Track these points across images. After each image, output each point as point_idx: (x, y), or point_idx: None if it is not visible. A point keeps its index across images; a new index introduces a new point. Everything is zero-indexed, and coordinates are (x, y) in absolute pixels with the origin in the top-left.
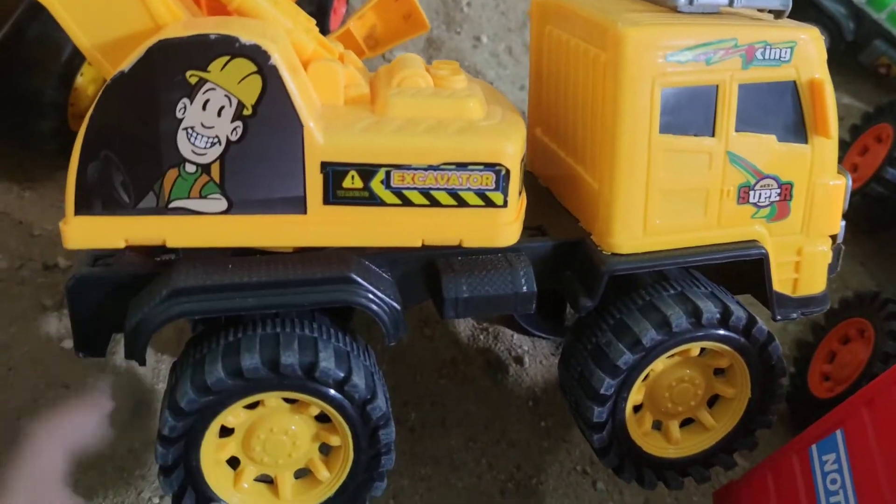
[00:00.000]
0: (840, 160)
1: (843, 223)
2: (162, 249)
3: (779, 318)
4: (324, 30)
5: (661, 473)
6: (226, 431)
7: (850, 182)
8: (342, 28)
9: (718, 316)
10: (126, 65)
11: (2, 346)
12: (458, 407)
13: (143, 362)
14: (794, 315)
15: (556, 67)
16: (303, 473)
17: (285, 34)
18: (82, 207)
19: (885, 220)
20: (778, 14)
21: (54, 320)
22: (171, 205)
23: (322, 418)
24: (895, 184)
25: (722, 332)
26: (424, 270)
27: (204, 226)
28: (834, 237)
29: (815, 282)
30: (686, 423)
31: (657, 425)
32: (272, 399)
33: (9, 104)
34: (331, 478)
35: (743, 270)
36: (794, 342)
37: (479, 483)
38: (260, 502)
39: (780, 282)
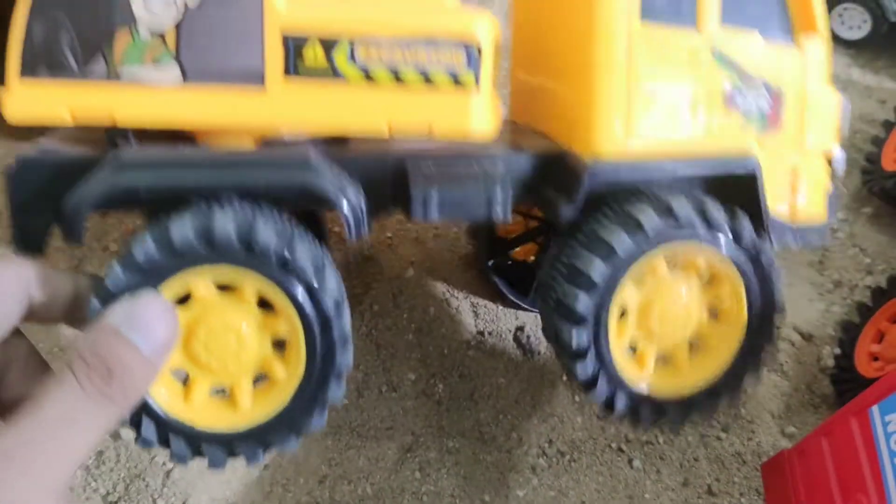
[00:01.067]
0: (884, 141)
1: (843, 154)
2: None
3: (774, 243)
4: None
5: (662, 408)
6: None
7: (847, 104)
8: None
9: (696, 213)
10: None
11: None
12: (488, 380)
13: (81, 240)
14: (793, 244)
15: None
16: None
17: None
18: (27, 70)
19: None
20: None
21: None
22: (122, 70)
23: (265, 307)
24: None
25: (703, 231)
26: (393, 177)
27: (156, 99)
28: (830, 162)
29: (813, 208)
30: None
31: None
32: (205, 286)
33: None
34: (286, 376)
35: (735, 190)
36: (839, 324)
37: (510, 458)
38: (215, 414)
39: (776, 204)
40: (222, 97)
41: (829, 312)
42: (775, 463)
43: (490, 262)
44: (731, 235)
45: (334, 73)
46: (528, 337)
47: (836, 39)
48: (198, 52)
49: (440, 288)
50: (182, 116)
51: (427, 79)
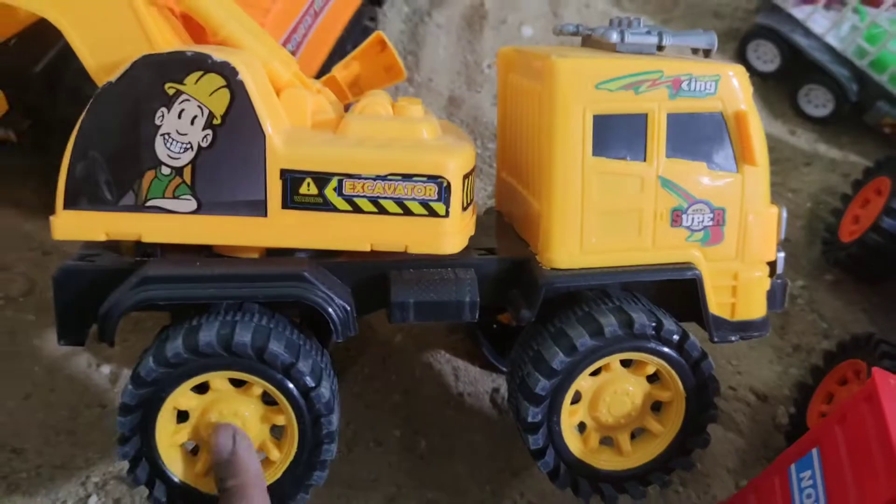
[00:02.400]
0: (842, 213)
1: (782, 255)
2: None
3: (716, 339)
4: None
5: (597, 485)
6: (183, 417)
7: (785, 213)
8: (327, 76)
9: (652, 327)
10: (114, 76)
11: (46, 369)
12: (466, 437)
13: (112, 343)
14: (733, 338)
15: (515, 109)
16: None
17: (259, 62)
18: (70, 203)
19: (883, 268)
20: (706, 53)
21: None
22: (148, 203)
23: (269, 402)
24: (891, 233)
25: (653, 344)
26: (379, 281)
27: (176, 223)
28: (773, 266)
29: (752, 306)
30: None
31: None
32: (220, 380)
33: (53, 131)
34: (280, 458)
35: (683, 295)
36: (795, 385)
37: None
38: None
39: (718, 305)
40: (231, 223)
41: (786, 374)
42: None
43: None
44: (676, 346)
45: (325, 203)
46: (503, 398)
47: (804, 116)
48: (210, 186)
49: (425, 352)
50: (197, 238)
51: (404, 208)
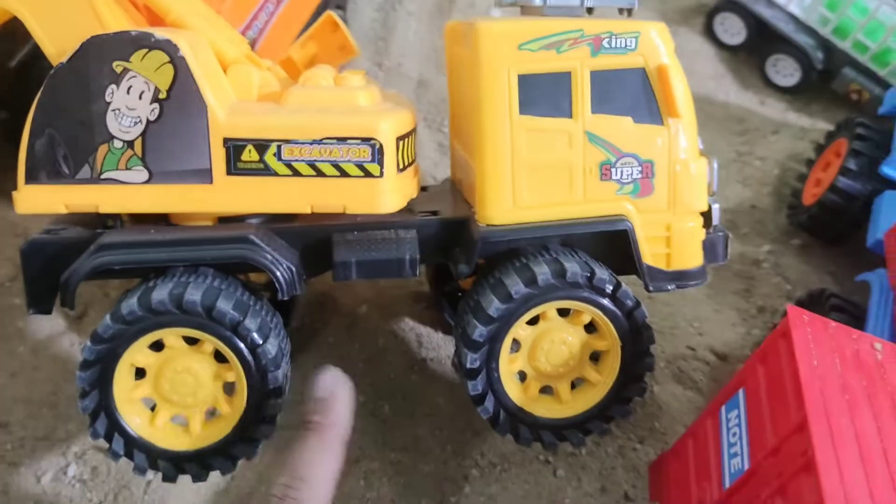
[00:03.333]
0: (806, 178)
1: (717, 206)
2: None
3: (651, 289)
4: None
5: (537, 433)
6: (140, 375)
7: (716, 165)
8: (283, 56)
9: (585, 277)
10: (65, 57)
11: (31, 349)
12: (427, 400)
13: (73, 307)
14: (669, 287)
15: (458, 79)
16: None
17: (206, 40)
18: (31, 178)
19: (842, 228)
20: (628, 11)
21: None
22: (103, 175)
23: (221, 359)
24: (847, 192)
25: (587, 293)
26: (325, 244)
27: (130, 193)
28: (707, 217)
29: (687, 256)
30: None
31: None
32: (174, 338)
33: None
34: (230, 412)
35: (621, 249)
36: (757, 344)
37: (445, 469)
38: (172, 437)
39: (653, 256)
40: (180, 191)
41: (749, 335)
42: (658, 463)
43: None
44: (610, 295)
45: (266, 168)
46: None
47: (774, 86)
48: (160, 157)
49: (390, 321)
50: (150, 206)
51: (340, 170)
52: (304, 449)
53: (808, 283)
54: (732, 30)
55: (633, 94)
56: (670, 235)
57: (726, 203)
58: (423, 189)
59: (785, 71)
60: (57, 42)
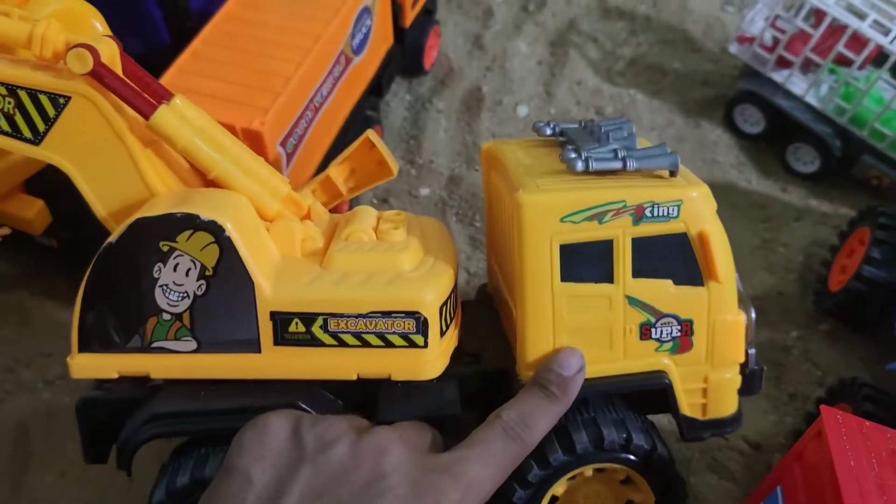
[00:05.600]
0: (831, 264)
1: (753, 351)
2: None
3: (688, 438)
4: (418, 67)
5: None
6: None
7: (753, 315)
8: (323, 173)
9: (620, 444)
10: (113, 237)
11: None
12: None
13: (129, 473)
14: (706, 436)
15: (497, 207)
16: None
17: (248, 201)
18: (83, 347)
19: (869, 315)
20: (671, 173)
21: None
22: (153, 345)
23: None
24: (872, 280)
25: (622, 455)
26: (373, 397)
27: (179, 361)
28: (744, 365)
29: (723, 405)
30: None
31: None
32: None
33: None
34: None
35: (656, 400)
36: (790, 432)
37: None
38: None
39: (690, 406)
40: (228, 359)
41: (781, 423)
42: None
43: None
44: (645, 457)
45: (313, 339)
46: None
47: (794, 173)
48: (207, 328)
49: None
50: (199, 373)
51: (385, 341)
52: (540, 406)
53: (837, 369)
54: (752, 119)
55: (674, 257)
56: (707, 387)
57: (753, 291)
58: (461, 306)
59: (805, 158)
60: (106, 204)
